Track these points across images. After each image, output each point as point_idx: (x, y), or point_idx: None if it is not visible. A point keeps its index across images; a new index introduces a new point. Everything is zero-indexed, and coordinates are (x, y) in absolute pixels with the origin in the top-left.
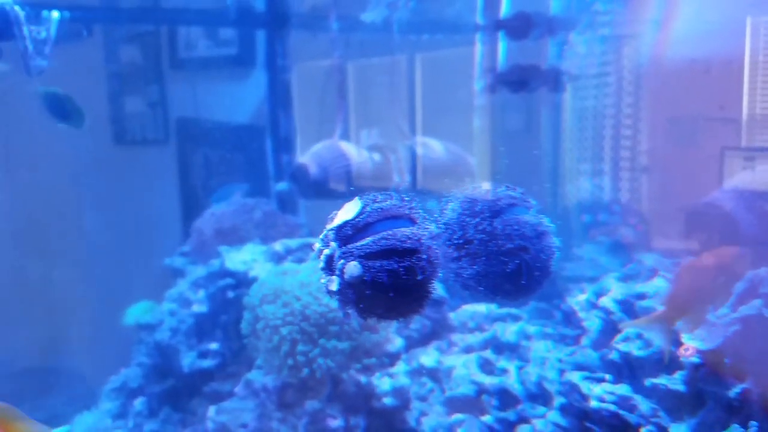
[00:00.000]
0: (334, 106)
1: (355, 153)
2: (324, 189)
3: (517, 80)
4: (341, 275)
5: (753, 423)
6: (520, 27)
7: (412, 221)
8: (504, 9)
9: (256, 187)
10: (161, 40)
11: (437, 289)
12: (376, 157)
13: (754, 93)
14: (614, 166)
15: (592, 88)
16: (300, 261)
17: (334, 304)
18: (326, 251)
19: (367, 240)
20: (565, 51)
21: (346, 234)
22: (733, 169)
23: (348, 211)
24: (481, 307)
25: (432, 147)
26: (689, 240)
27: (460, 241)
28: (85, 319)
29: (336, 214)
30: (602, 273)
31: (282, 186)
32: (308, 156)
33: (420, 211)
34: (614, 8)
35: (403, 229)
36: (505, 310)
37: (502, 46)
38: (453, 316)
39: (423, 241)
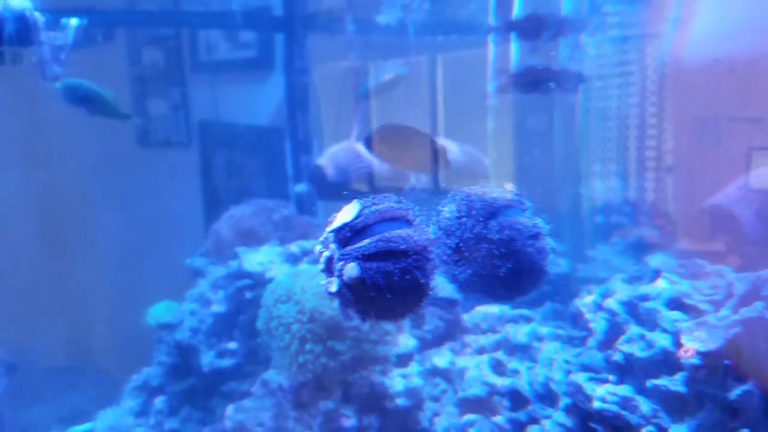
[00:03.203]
0: (352, 109)
1: (370, 155)
2: (341, 190)
3: (530, 81)
4: (340, 276)
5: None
6: (531, 28)
7: (409, 223)
8: (516, 10)
9: (275, 189)
10: (182, 43)
11: (434, 289)
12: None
13: None
14: (639, 166)
15: (615, 88)
16: (315, 262)
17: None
18: (326, 253)
19: (365, 242)
20: (577, 52)
21: (345, 236)
22: (760, 168)
23: (347, 213)
24: (494, 309)
25: (449, 149)
26: (714, 241)
27: (456, 244)
28: (108, 319)
29: (335, 217)
30: (614, 274)
31: (300, 188)
32: (326, 157)
33: (417, 213)
34: (625, 9)
35: (400, 231)
36: (517, 312)
37: (514, 47)
38: (466, 318)
39: (420, 242)
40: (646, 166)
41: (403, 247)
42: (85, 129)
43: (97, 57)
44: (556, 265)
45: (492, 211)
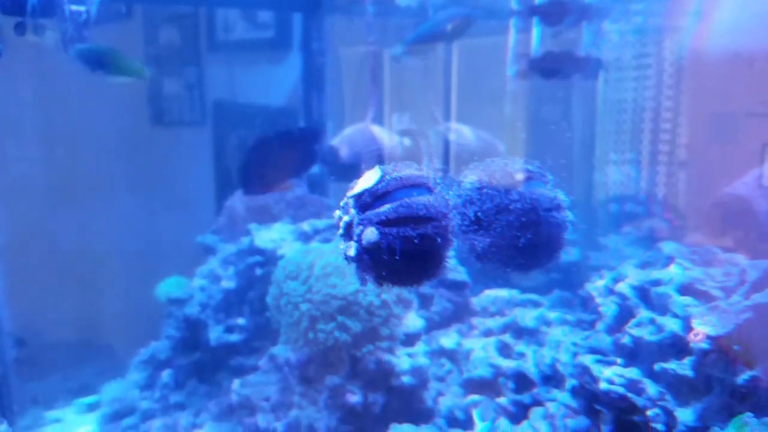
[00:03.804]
0: (368, 91)
1: (386, 137)
2: (354, 172)
3: (550, 66)
4: (359, 241)
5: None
6: (554, 13)
7: (429, 190)
8: None
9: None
10: (200, 22)
11: (452, 257)
12: (407, 141)
13: None
14: (652, 159)
15: (632, 80)
16: (326, 241)
17: (352, 287)
18: (345, 218)
19: (385, 207)
20: (599, 39)
21: (365, 201)
22: None
23: (368, 179)
24: (503, 293)
25: (463, 133)
26: (723, 237)
27: (476, 213)
28: (120, 295)
29: (356, 183)
30: (626, 261)
31: (314, 169)
32: (339, 139)
33: (438, 181)
34: None
35: (420, 197)
36: (526, 297)
37: (536, 32)
38: (475, 301)
39: (439, 209)
40: (659, 159)
41: (422, 213)
42: (101, 108)
43: (114, 35)
44: (567, 253)
45: (512, 181)
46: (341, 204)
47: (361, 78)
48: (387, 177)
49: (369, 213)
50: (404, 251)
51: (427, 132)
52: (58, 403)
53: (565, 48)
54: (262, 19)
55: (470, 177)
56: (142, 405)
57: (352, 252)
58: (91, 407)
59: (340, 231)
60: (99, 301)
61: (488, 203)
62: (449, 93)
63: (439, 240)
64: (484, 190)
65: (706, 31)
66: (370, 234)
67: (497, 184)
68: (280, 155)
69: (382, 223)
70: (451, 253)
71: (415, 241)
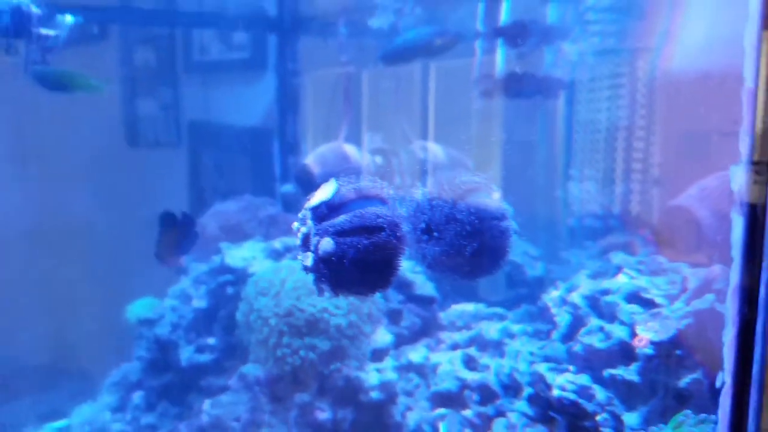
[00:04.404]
0: (342, 111)
1: (358, 155)
2: None
3: (513, 87)
4: (316, 251)
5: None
6: (517, 35)
7: (383, 202)
8: (503, 17)
9: (262, 189)
10: (176, 44)
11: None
12: (378, 160)
13: None
14: (625, 177)
15: (605, 100)
16: (297, 259)
17: (321, 304)
18: (303, 229)
19: (341, 218)
20: (559, 59)
21: (322, 213)
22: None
23: (324, 192)
24: (470, 307)
25: (432, 151)
26: (698, 253)
27: (426, 223)
28: (90, 317)
29: (313, 196)
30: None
31: (287, 188)
32: (312, 157)
33: (391, 193)
34: (607, 18)
35: (373, 209)
36: (492, 310)
37: (500, 53)
38: (443, 315)
39: (392, 219)
40: (632, 178)
41: (375, 222)
42: (75, 128)
43: (89, 56)
44: (532, 268)
45: (460, 193)
46: (299, 216)
47: (334, 98)
48: (342, 189)
49: (325, 224)
50: (358, 260)
51: (399, 150)
52: (27, 428)
53: (528, 69)
54: (237, 40)
55: (421, 189)
56: (114, 428)
57: (309, 262)
58: (62, 431)
59: (298, 242)
60: (70, 324)
61: (438, 214)
62: (426, 113)
63: (391, 249)
64: (434, 201)
65: (676, 51)
66: (326, 244)
67: (446, 195)
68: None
69: (337, 233)
70: (403, 261)
71: (369, 250)
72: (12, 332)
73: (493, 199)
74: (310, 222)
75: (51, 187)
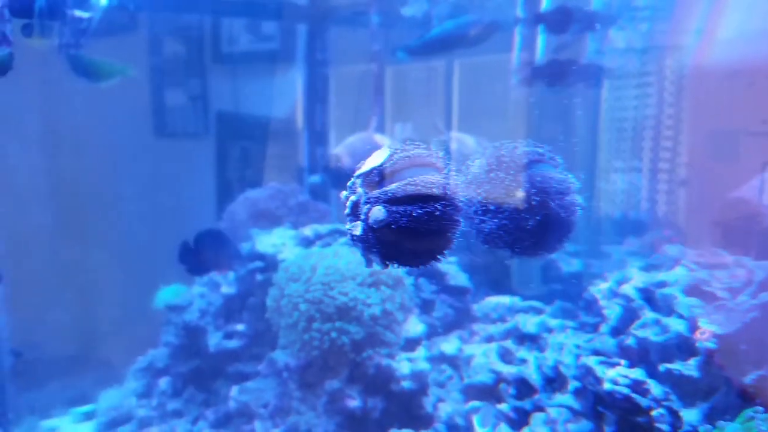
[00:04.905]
0: (370, 101)
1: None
2: None
3: (554, 74)
4: (366, 220)
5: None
6: (560, 21)
7: (438, 170)
8: (545, 2)
9: (290, 180)
10: (204, 34)
11: (458, 237)
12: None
13: None
14: (652, 176)
15: (633, 98)
16: (328, 246)
17: (353, 292)
18: (352, 197)
19: (393, 185)
20: (604, 47)
21: (373, 180)
22: None
23: (376, 158)
24: (505, 299)
25: (465, 143)
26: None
27: (485, 194)
28: (119, 304)
29: (364, 162)
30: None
31: (315, 179)
32: (342, 147)
33: (446, 161)
34: (655, 3)
35: (428, 176)
36: (527, 303)
37: (541, 39)
38: (476, 307)
39: (447, 189)
40: (659, 177)
41: (430, 191)
42: (104, 118)
43: (118, 46)
44: (569, 263)
45: (522, 164)
46: (348, 184)
47: (363, 90)
48: (395, 156)
49: (376, 191)
50: (411, 230)
51: (429, 141)
52: (55, 412)
53: (569, 56)
54: (266, 31)
55: (479, 161)
56: (139, 413)
57: (358, 231)
58: (88, 416)
59: (347, 210)
60: (98, 311)
61: (497, 186)
62: (450, 106)
63: (446, 220)
64: (493, 173)
65: (708, 49)
66: (377, 212)
67: (506, 166)
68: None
69: (389, 202)
70: (457, 234)
71: (422, 220)
72: (39, 319)
73: (558, 171)
74: (360, 189)
75: (79, 174)
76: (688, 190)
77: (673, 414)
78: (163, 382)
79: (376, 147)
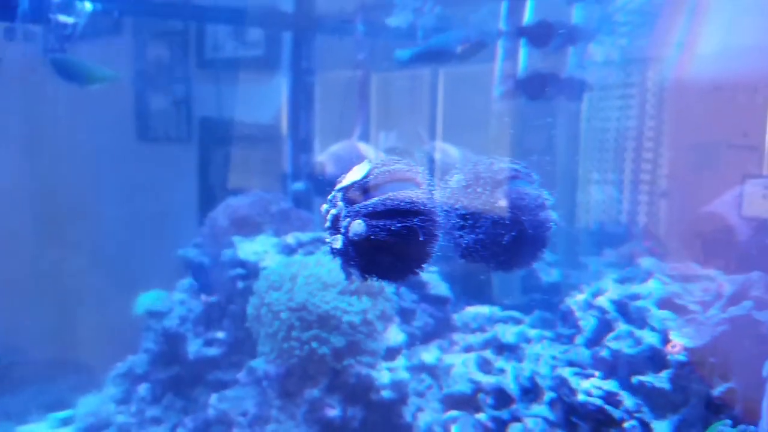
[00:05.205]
0: (355, 109)
1: (373, 154)
2: None
3: (536, 87)
4: (346, 234)
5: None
6: (541, 35)
7: (417, 185)
8: (527, 16)
9: (273, 187)
10: (189, 40)
11: (437, 252)
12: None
13: None
14: (633, 187)
15: (615, 109)
16: (310, 254)
17: (334, 301)
18: (333, 211)
19: (373, 200)
20: (584, 61)
21: (353, 194)
22: (754, 197)
23: (357, 172)
24: (484, 309)
25: (449, 153)
26: (706, 266)
27: (462, 210)
28: (99, 309)
29: (345, 177)
30: (606, 276)
31: (298, 186)
32: (326, 155)
33: (426, 176)
34: (634, 18)
35: (407, 191)
36: (507, 313)
37: (523, 53)
38: (456, 317)
39: (426, 204)
40: (640, 188)
41: (409, 206)
42: (87, 121)
43: (102, 50)
44: (548, 274)
45: (498, 180)
46: (329, 198)
47: (348, 98)
48: (375, 170)
49: (356, 206)
50: (390, 244)
51: (413, 150)
52: (31, 418)
53: (551, 69)
54: (251, 37)
55: (457, 176)
56: (118, 419)
57: (338, 244)
58: (65, 422)
59: (327, 223)
60: (78, 315)
61: (474, 201)
62: (435, 115)
63: (424, 234)
64: (470, 189)
65: (689, 63)
66: (357, 226)
67: (483, 182)
68: None
69: (369, 216)
70: (436, 248)
71: (402, 233)
72: (18, 323)
73: (533, 187)
74: (340, 203)
75: (60, 178)
76: (669, 201)
77: (645, 426)
78: (142, 389)
79: (361, 155)
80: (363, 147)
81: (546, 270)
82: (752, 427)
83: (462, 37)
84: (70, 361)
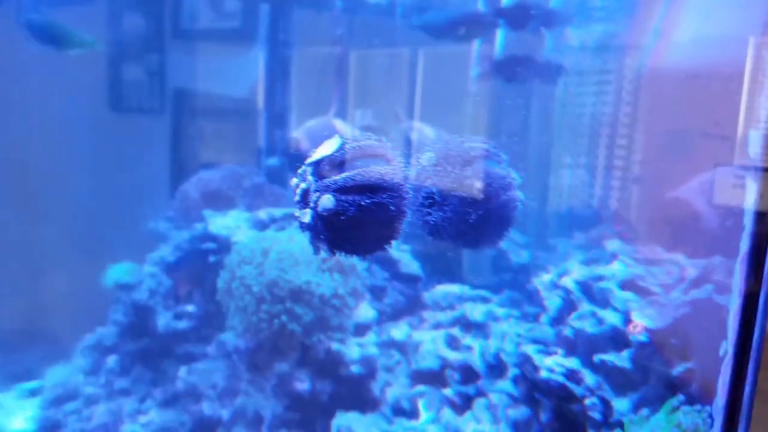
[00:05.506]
0: (332, 86)
1: (348, 132)
2: None
3: (512, 69)
4: (315, 208)
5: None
6: (519, 17)
7: (387, 161)
8: None
9: (247, 161)
10: (165, 9)
11: (405, 229)
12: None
13: (751, 113)
14: (606, 173)
15: (591, 94)
16: (282, 230)
17: (306, 276)
18: (302, 185)
19: (342, 175)
20: (561, 45)
21: (323, 169)
22: (724, 185)
23: (327, 147)
24: (455, 288)
25: (425, 132)
26: (674, 251)
27: (431, 187)
28: (68, 280)
29: (316, 151)
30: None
31: (272, 161)
32: (301, 131)
33: (396, 153)
34: (612, 3)
35: (377, 167)
36: (476, 293)
37: (500, 34)
38: (427, 295)
39: (395, 180)
40: (613, 174)
41: (379, 182)
42: (58, 90)
43: (76, 17)
44: (517, 255)
45: (468, 159)
46: (299, 172)
47: (325, 73)
48: (346, 146)
49: (326, 180)
50: (359, 219)
51: (389, 129)
52: None
53: (527, 52)
54: (228, 8)
55: (427, 154)
56: (86, 390)
57: (307, 219)
58: (33, 392)
59: (297, 198)
60: (46, 286)
61: (443, 179)
62: (413, 95)
63: (393, 210)
64: (440, 167)
65: (665, 50)
66: (326, 201)
67: (452, 161)
68: None
69: (338, 191)
70: (403, 224)
71: (371, 209)
72: None
73: (501, 167)
74: (310, 177)
75: (30, 147)
76: (641, 187)
77: (605, 403)
78: (111, 361)
79: (336, 132)
80: (339, 124)
81: (516, 251)
82: (708, 407)
83: (468, 16)
84: (39, 331)
